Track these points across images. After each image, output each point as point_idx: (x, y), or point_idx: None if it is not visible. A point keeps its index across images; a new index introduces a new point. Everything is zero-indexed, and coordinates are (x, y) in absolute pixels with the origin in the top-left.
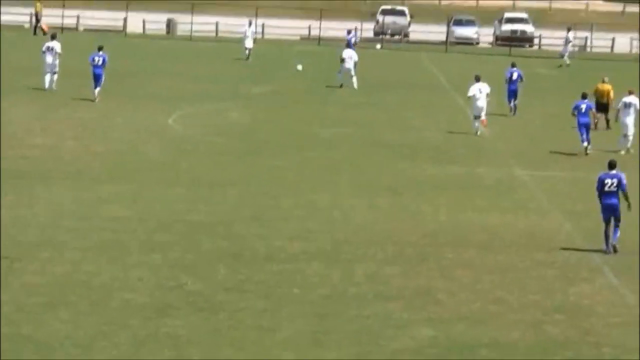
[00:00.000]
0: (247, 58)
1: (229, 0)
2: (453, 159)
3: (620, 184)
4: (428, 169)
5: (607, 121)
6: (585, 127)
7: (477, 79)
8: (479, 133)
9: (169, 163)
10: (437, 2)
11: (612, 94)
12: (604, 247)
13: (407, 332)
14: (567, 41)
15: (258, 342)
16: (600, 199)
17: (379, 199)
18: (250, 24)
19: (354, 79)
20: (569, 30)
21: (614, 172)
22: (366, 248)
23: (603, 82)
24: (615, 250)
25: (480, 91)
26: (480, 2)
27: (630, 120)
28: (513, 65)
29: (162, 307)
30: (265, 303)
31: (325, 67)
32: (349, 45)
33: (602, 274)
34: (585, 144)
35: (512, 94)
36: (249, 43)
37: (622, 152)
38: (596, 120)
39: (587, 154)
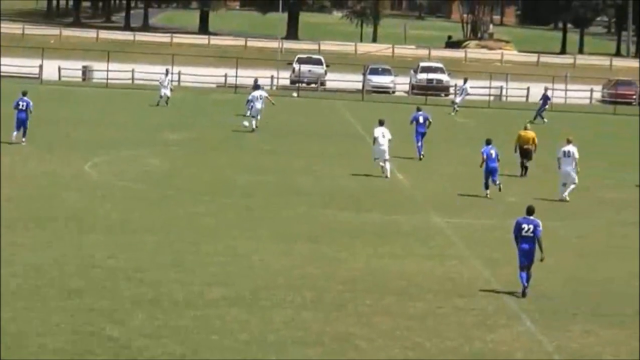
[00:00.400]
0: (166, 104)
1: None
2: (370, 206)
3: (535, 231)
4: (345, 216)
5: (526, 168)
6: (492, 172)
7: (381, 123)
8: (388, 175)
9: (86, 209)
10: (353, 50)
11: (536, 140)
12: (522, 290)
13: None
14: (462, 91)
15: None
16: (517, 244)
17: (296, 245)
18: (167, 72)
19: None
20: (465, 80)
21: (531, 217)
22: (284, 294)
23: (526, 128)
24: (524, 295)
25: (383, 135)
26: (397, 51)
27: (570, 168)
28: (418, 110)
29: (80, 352)
30: (183, 349)
31: (242, 115)
32: (256, 87)
33: (520, 320)
34: (488, 191)
35: (421, 136)
36: (166, 91)
37: (568, 198)
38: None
39: (488, 197)
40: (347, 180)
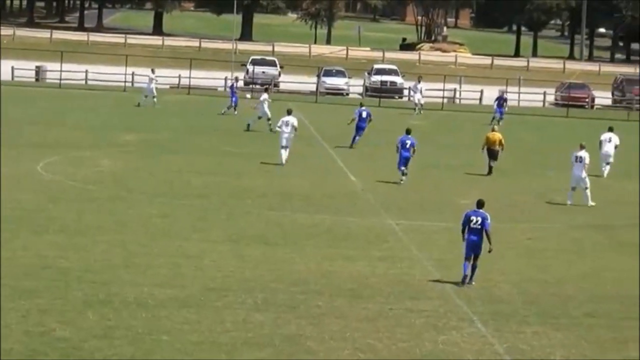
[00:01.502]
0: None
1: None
2: (322, 208)
3: (484, 223)
4: (298, 218)
5: (491, 168)
6: (405, 160)
7: (289, 113)
8: (283, 162)
9: (37, 209)
10: (307, 52)
11: (503, 142)
12: (463, 278)
13: None
14: (418, 90)
15: None
16: (465, 235)
17: (248, 246)
18: (153, 71)
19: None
20: (419, 79)
21: (480, 210)
22: (236, 295)
23: (493, 130)
24: (463, 283)
25: (287, 124)
26: (351, 53)
27: (581, 173)
28: (362, 105)
29: (30, 353)
30: (134, 350)
31: (196, 116)
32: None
33: (471, 322)
34: (404, 177)
35: (362, 130)
36: (151, 91)
37: (569, 203)
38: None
39: (401, 182)
40: (300, 182)
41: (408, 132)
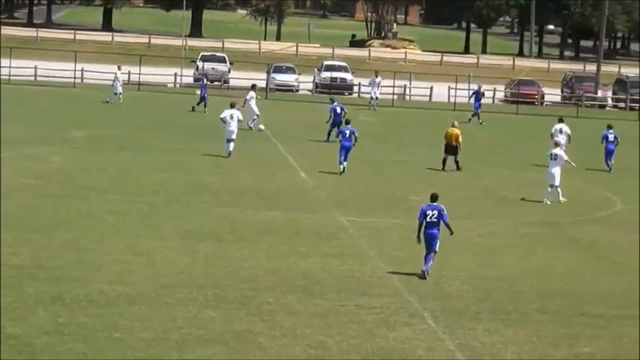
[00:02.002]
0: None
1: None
2: (273, 205)
3: (440, 215)
4: (249, 214)
5: (457, 162)
6: (345, 150)
7: (232, 106)
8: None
9: None
10: (257, 48)
11: (460, 138)
12: (424, 268)
13: None
14: (375, 84)
15: None
16: (423, 229)
17: (199, 243)
18: (119, 68)
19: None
20: (377, 74)
21: (435, 204)
22: (187, 292)
23: (453, 126)
24: (424, 277)
25: (231, 117)
26: (301, 49)
27: (556, 170)
28: (333, 101)
29: None
30: (85, 347)
31: (146, 113)
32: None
33: (421, 318)
34: (342, 166)
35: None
36: (118, 89)
37: (548, 202)
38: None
39: (342, 172)
40: (251, 179)
41: (347, 122)
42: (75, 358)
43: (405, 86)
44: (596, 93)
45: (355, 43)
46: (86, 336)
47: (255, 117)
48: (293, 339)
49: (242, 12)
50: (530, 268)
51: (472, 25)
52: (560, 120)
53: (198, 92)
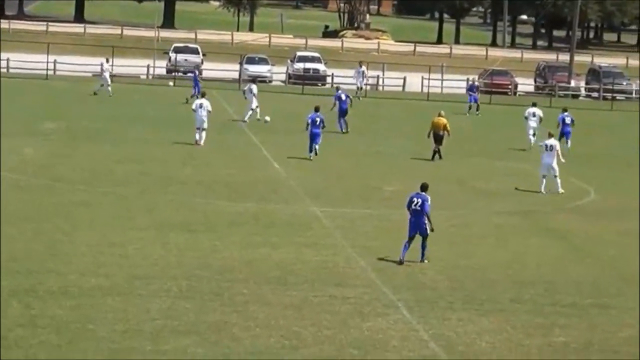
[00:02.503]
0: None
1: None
2: (246, 195)
3: (423, 205)
4: (222, 206)
5: (435, 153)
6: (315, 138)
7: (203, 95)
8: (202, 143)
9: None
10: (229, 39)
11: (448, 127)
12: (401, 256)
13: None
14: (361, 74)
15: None
16: (408, 216)
17: (173, 234)
18: (107, 60)
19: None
20: (361, 64)
21: (422, 193)
22: (160, 283)
23: (439, 115)
24: (401, 263)
25: (201, 106)
26: (273, 40)
27: (551, 160)
28: (338, 89)
29: None
30: (59, 339)
31: (118, 104)
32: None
33: (396, 309)
34: (312, 154)
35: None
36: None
37: (544, 192)
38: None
39: (310, 159)
40: (224, 170)
41: (317, 109)
42: (49, 350)
43: (378, 77)
44: (569, 83)
45: (328, 34)
46: (60, 328)
47: (250, 111)
48: (267, 330)
49: (214, 3)
50: (504, 258)
51: (445, 16)
52: (534, 105)
53: (171, 83)
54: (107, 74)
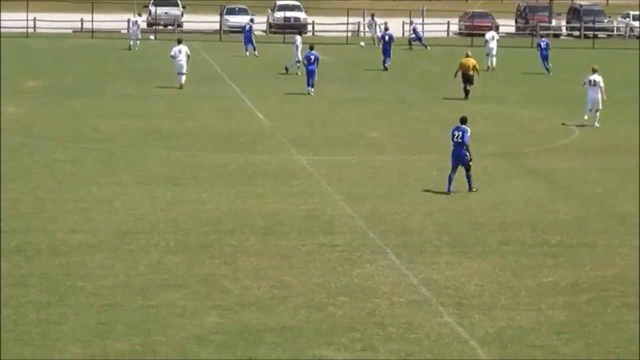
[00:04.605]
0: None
1: None
2: (231, 147)
3: (463, 137)
4: (207, 158)
5: (468, 92)
6: (311, 74)
7: (179, 42)
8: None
9: None
10: None
11: (477, 66)
12: (446, 188)
13: (193, 320)
14: (374, 25)
15: (43, 336)
16: (451, 149)
17: (159, 188)
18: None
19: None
20: (372, 16)
21: (463, 126)
22: (148, 238)
23: (467, 56)
24: (449, 192)
25: (180, 51)
26: None
27: (596, 95)
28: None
29: None
30: (49, 296)
31: (99, 60)
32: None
33: (384, 255)
34: (310, 88)
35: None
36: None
37: (597, 125)
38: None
39: (310, 94)
40: (208, 122)
41: (311, 47)
42: (39, 308)
43: (359, 23)
44: (550, 22)
45: None
46: (49, 286)
47: (297, 62)
48: (257, 281)
49: None
50: (489, 200)
51: None
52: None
53: (152, 37)
54: (137, 29)
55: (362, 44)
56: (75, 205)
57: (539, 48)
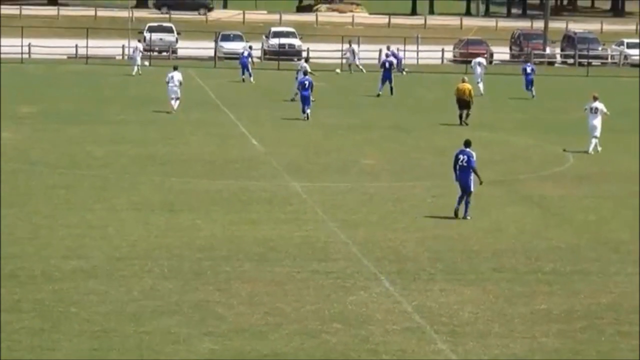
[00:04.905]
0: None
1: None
2: (225, 173)
3: (469, 161)
4: (201, 184)
5: (468, 116)
6: (306, 100)
7: (175, 68)
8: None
9: None
10: (204, 18)
11: (472, 92)
12: (455, 207)
13: (186, 347)
14: (352, 52)
15: None
16: (456, 173)
17: (153, 214)
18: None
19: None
20: (350, 42)
21: (467, 149)
22: (142, 264)
23: (463, 81)
24: (456, 215)
25: (172, 77)
26: (248, 16)
27: (596, 122)
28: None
29: None
30: (43, 322)
31: (94, 85)
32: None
33: (378, 281)
34: (305, 114)
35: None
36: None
37: (592, 152)
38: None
39: (307, 119)
40: (202, 148)
41: (305, 73)
42: (32, 334)
43: (353, 50)
44: (545, 50)
45: (303, 8)
46: (43, 312)
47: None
48: (250, 307)
49: None
50: (483, 227)
51: None
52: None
53: (147, 63)
54: (138, 55)
55: (338, 70)
56: (70, 231)
57: (524, 72)
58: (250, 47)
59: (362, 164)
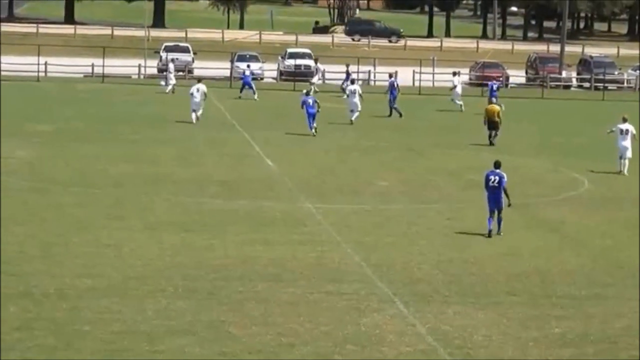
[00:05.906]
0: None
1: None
2: (240, 193)
3: (500, 182)
4: (215, 204)
5: (496, 136)
6: (311, 116)
7: (199, 81)
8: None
9: None
10: (220, 37)
11: (501, 114)
12: (488, 229)
13: None
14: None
15: None
16: (487, 194)
17: (167, 234)
18: (173, 61)
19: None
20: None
21: (498, 170)
22: (156, 283)
23: (491, 103)
24: (489, 236)
25: (197, 90)
26: (264, 37)
27: (627, 143)
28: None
29: None
30: (56, 341)
31: (110, 105)
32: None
33: (392, 304)
34: (313, 130)
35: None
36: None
37: (626, 174)
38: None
39: (314, 135)
40: (217, 168)
41: (307, 93)
42: (46, 353)
43: (369, 72)
44: (560, 74)
45: (319, 30)
46: (56, 330)
47: (356, 111)
48: (264, 328)
49: (204, 1)
50: (498, 250)
51: (435, 9)
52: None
53: (162, 83)
54: (172, 74)
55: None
56: (84, 249)
57: (490, 89)
58: (249, 66)
59: (377, 185)
